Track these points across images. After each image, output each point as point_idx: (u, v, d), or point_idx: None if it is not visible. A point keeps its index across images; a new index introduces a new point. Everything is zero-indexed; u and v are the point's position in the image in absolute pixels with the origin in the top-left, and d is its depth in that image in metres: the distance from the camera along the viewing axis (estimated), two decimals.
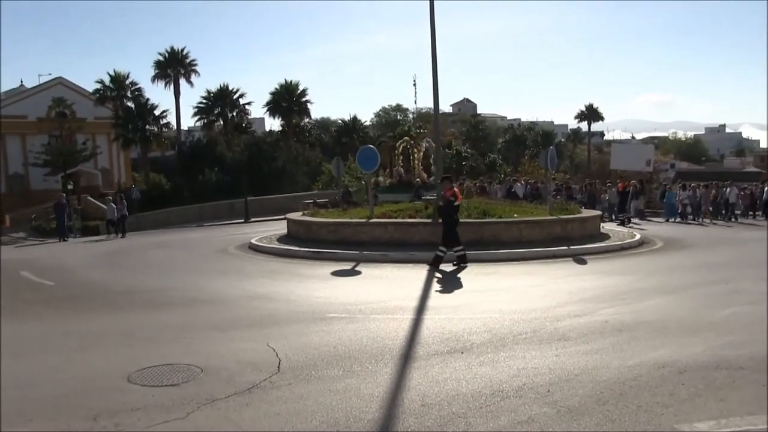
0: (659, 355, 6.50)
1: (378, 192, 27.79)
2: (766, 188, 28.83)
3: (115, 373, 6.31)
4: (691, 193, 28.82)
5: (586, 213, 19.77)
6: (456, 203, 13.74)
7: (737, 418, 4.84)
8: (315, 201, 28.06)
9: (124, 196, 31.73)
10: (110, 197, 30.43)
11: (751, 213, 29.60)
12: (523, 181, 32.95)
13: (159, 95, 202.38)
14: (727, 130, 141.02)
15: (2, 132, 52.54)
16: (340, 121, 72.19)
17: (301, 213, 21.77)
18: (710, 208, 28.39)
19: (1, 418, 5.17)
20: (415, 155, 29.31)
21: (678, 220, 28.00)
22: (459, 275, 12.63)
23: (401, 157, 29.96)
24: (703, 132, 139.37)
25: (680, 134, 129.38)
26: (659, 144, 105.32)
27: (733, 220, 27.94)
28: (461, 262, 13.49)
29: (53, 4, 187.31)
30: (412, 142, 29.66)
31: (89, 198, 48.99)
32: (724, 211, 28.91)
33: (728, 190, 28.91)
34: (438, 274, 12.67)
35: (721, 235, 21.08)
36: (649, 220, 27.94)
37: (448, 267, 13.24)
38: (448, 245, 13.53)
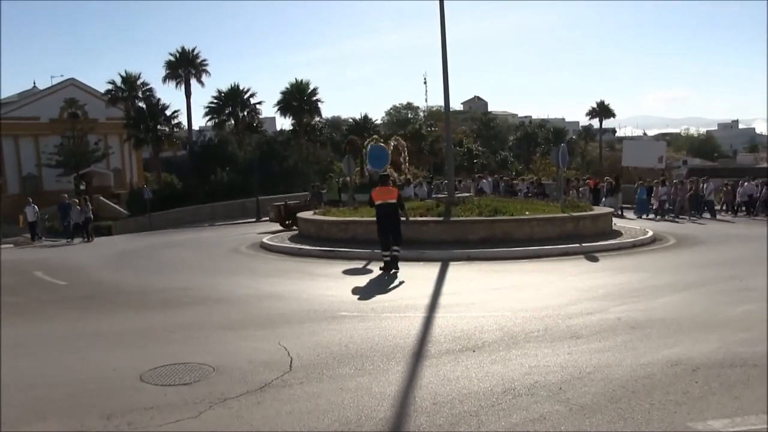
0: (672, 352, 6.46)
1: (347, 192, 27.55)
2: (745, 186, 28.48)
3: (128, 372, 6.34)
4: (673, 190, 28.47)
5: (598, 210, 19.70)
6: (377, 203, 13.03)
7: (752, 416, 4.80)
8: (286, 202, 27.53)
9: (88, 199, 30.16)
10: (76, 200, 29.03)
11: (729, 210, 29.12)
12: (489, 179, 32.87)
13: (170, 95, 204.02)
14: (740, 126, 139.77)
15: (16, 133, 53.03)
16: (351, 120, 72.28)
17: (312, 212, 21.79)
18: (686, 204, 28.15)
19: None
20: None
21: (651, 216, 27.52)
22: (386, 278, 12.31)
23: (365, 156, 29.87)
24: (716, 128, 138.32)
25: (692, 130, 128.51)
26: (671, 140, 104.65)
27: (708, 216, 27.44)
28: (382, 268, 12.83)
29: (65, 5, 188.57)
30: (381, 141, 29.56)
31: (101, 198, 49.37)
32: (703, 207, 28.59)
33: (704, 186, 28.64)
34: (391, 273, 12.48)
35: (734, 232, 20.91)
36: (623, 217, 27.11)
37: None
38: (396, 243, 12.97)
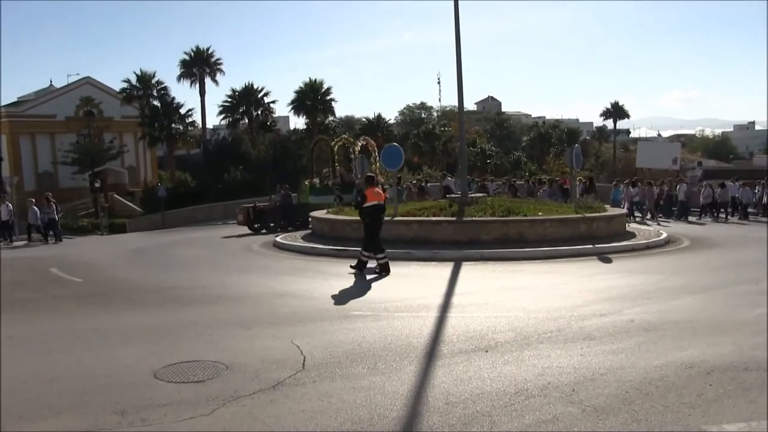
0: (686, 355, 6.42)
1: (314, 194, 27.01)
2: (718, 190, 28.21)
3: (142, 369, 6.39)
4: (648, 190, 28.38)
5: (612, 211, 19.60)
6: (366, 205, 12.68)
7: (765, 421, 4.76)
8: (255, 205, 26.82)
9: (52, 197, 27.40)
10: (33, 199, 26.91)
11: (698, 212, 28.64)
12: (450, 178, 32.71)
13: (184, 94, 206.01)
14: (757, 127, 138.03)
15: (32, 131, 53.59)
16: (364, 119, 72.31)
17: (325, 211, 21.81)
18: (657, 206, 27.96)
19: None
20: (355, 154, 28.96)
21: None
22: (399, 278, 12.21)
23: (338, 156, 29.58)
24: (732, 129, 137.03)
25: (708, 132, 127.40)
26: (686, 142, 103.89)
27: (682, 218, 27.31)
28: (382, 270, 12.56)
29: (81, 4, 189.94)
30: (351, 140, 29.29)
31: (116, 196, 49.71)
32: (674, 209, 28.37)
33: (678, 187, 28.41)
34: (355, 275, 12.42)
35: (748, 234, 20.74)
36: None
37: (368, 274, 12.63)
38: (367, 248, 12.78)
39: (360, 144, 29.65)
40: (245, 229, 25.77)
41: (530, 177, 37.94)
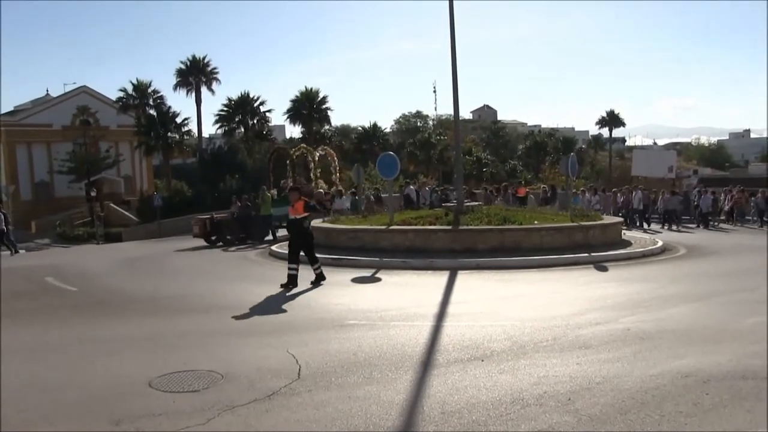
0: (682, 364, 6.42)
1: (276, 206, 26.29)
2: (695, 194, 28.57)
3: (137, 378, 6.36)
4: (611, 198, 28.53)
5: (608, 220, 19.62)
6: (299, 217, 12.46)
7: (765, 429, 4.75)
8: (212, 216, 25.23)
9: (2, 209, 26.20)
10: None
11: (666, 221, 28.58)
12: (413, 187, 32.51)
13: (181, 103, 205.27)
14: (752, 135, 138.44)
15: (29, 140, 53.57)
16: (360, 128, 72.41)
17: (321, 219, 21.78)
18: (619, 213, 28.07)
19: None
20: (314, 164, 28.65)
21: None
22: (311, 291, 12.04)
23: (296, 166, 29.18)
24: (727, 137, 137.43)
25: (703, 140, 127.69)
26: (682, 150, 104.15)
27: (638, 224, 27.58)
28: (289, 283, 12.25)
29: (78, 13, 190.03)
30: (309, 149, 29.09)
31: (112, 205, 49.64)
32: (635, 216, 28.55)
33: (633, 194, 28.61)
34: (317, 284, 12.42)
35: (745, 242, 20.79)
36: None
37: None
38: (312, 262, 12.73)
39: (318, 154, 29.44)
40: (201, 242, 24.17)
41: (488, 186, 38.05)
